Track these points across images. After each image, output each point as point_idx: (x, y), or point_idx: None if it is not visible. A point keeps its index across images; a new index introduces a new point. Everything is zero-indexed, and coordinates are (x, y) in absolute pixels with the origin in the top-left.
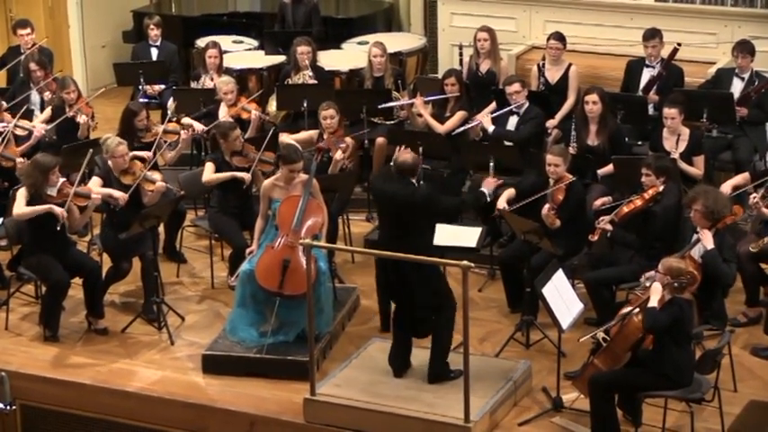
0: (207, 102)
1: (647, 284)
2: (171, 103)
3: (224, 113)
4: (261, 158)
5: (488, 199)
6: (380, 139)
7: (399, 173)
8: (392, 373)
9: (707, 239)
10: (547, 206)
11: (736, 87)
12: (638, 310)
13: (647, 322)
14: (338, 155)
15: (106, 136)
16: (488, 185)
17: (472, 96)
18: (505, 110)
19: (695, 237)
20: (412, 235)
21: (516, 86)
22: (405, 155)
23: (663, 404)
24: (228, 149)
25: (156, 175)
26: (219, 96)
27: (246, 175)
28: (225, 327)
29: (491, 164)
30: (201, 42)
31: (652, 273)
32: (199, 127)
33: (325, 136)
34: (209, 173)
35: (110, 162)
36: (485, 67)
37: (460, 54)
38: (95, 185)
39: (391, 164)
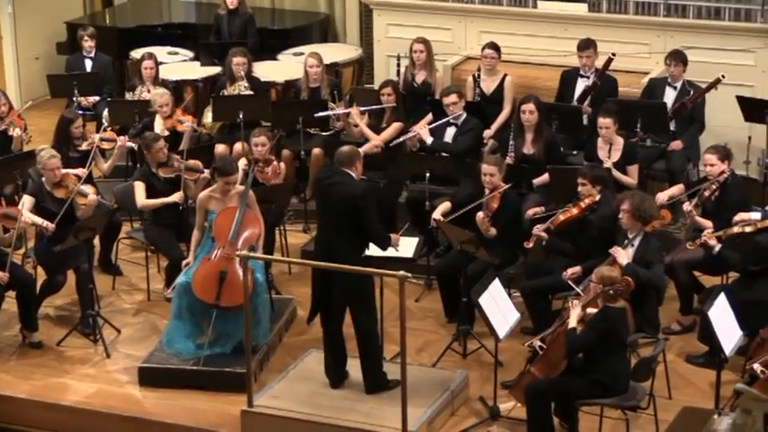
0: (142, 113)
1: (578, 288)
2: (106, 115)
3: (159, 126)
4: (186, 166)
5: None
6: (317, 150)
7: (337, 164)
8: (329, 384)
9: (621, 257)
10: (481, 213)
11: (669, 97)
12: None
13: (568, 345)
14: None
15: (41, 147)
16: (395, 241)
17: (408, 107)
18: (443, 121)
19: (626, 242)
20: (338, 232)
21: (453, 98)
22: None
23: (599, 412)
24: (153, 160)
25: (88, 189)
26: (155, 109)
27: (179, 197)
28: (161, 339)
29: (427, 174)
30: (136, 54)
31: (576, 269)
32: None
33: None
34: (141, 196)
35: (43, 175)
36: (420, 77)
37: (398, 65)
38: (28, 205)
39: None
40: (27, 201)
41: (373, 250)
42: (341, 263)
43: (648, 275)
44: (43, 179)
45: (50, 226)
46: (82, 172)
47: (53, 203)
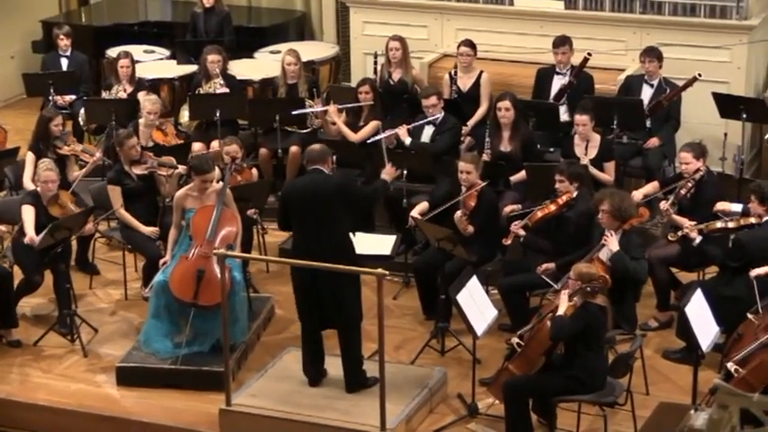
0: (118, 112)
1: (557, 284)
2: (82, 114)
3: (142, 131)
4: (160, 163)
5: (390, 188)
6: (294, 148)
7: (310, 162)
8: (308, 382)
9: (611, 243)
10: (459, 212)
11: (646, 94)
12: (551, 315)
13: (552, 331)
14: None
15: (42, 160)
16: (387, 174)
17: (384, 105)
18: (422, 122)
19: (603, 240)
20: (330, 227)
21: (433, 99)
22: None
23: (577, 408)
24: (126, 158)
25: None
26: (141, 113)
27: (154, 233)
28: (139, 338)
29: (404, 172)
30: (112, 52)
31: (551, 265)
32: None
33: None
34: (118, 204)
35: (38, 186)
36: (396, 75)
37: (375, 63)
38: (29, 215)
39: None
40: (29, 210)
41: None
42: (333, 262)
43: (635, 266)
44: (38, 190)
45: (34, 239)
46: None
47: (46, 218)
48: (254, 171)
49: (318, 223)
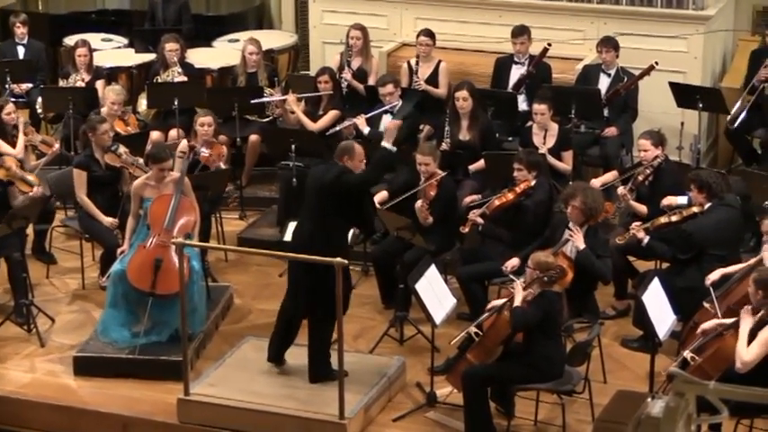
0: (76, 100)
1: (513, 278)
2: (39, 102)
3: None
4: (136, 163)
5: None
6: (254, 137)
7: (334, 157)
8: (266, 357)
9: (578, 240)
10: (419, 201)
11: (603, 83)
12: (509, 304)
13: (514, 322)
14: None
15: None
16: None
17: (344, 94)
18: (379, 110)
19: (566, 234)
20: (317, 219)
21: (390, 87)
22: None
23: (535, 397)
24: (99, 144)
25: (33, 179)
26: (103, 102)
27: (113, 224)
28: (96, 328)
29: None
30: (70, 40)
31: (515, 261)
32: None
33: (204, 150)
34: (81, 189)
35: None
36: (356, 64)
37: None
38: None
39: None
40: None
41: None
42: (316, 254)
43: (601, 266)
44: None
45: None
46: (17, 156)
47: None
48: (224, 148)
49: (310, 213)
